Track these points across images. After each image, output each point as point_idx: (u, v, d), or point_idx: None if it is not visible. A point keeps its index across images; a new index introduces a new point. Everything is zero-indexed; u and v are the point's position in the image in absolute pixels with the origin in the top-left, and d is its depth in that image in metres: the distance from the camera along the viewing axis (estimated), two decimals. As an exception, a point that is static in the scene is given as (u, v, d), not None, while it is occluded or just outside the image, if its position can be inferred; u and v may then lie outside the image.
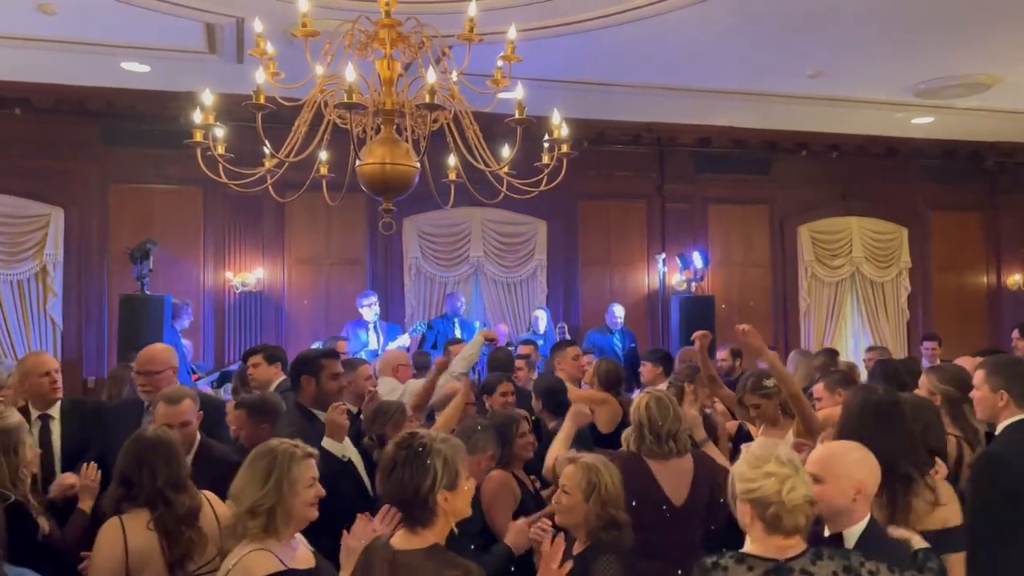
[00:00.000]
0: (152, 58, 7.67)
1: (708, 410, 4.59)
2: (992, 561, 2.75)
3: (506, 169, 4.32)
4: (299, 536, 2.60)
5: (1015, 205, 11.25)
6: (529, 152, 4.26)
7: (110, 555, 2.73)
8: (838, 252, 10.96)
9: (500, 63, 4.00)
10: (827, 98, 9.04)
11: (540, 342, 8.15)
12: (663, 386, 5.79)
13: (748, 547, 2.22)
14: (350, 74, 3.50)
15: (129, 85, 8.31)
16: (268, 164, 4.28)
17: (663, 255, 10.14)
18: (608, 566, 2.77)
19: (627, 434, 3.64)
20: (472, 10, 3.78)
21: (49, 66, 7.77)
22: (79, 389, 8.20)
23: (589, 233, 10.20)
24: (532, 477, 3.82)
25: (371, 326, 8.42)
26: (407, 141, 4.10)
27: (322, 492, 2.56)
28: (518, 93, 3.92)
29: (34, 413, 4.02)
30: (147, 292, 7.71)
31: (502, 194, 4.50)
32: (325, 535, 2.69)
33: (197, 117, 3.91)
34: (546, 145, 4.37)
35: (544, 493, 3.78)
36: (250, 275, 8.99)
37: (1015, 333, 7.64)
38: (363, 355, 7.41)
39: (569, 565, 2.61)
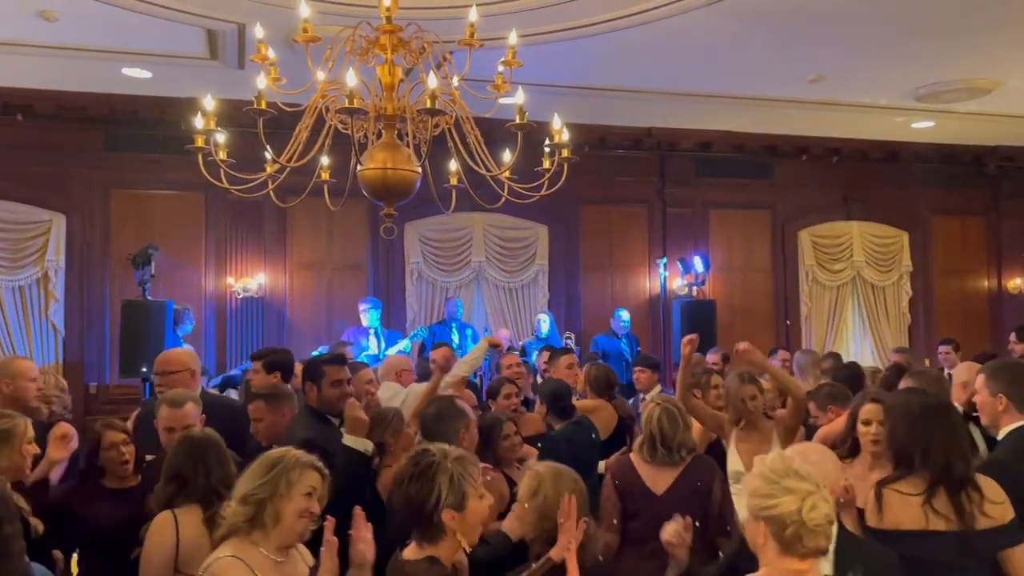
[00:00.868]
0: (154, 64, 7.69)
1: None
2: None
3: (507, 174, 4.33)
4: (302, 547, 2.57)
5: (1016, 209, 11.25)
6: (530, 157, 4.27)
7: (162, 546, 2.79)
8: (839, 256, 10.96)
9: (501, 68, 4.01)
10: (828, 102, 9.05)
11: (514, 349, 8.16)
12: (656, 390, 5.86)
13: (761, 573, 2.03)
14: (351, 79, 3.52)
15: (131, 91, 8.32)
16: (270, 169, 4.29)
17: (664, 259, 10.14)
18: None
19: (638, 443, 3.67)
20: (473, 16, 3.79)
21: (51, 73, 7.79)
22: (81, 395, 8.20)
23: (590, 238, 10.21)
24: None
25: (372, 332, 8.43)
26: (408, 146, 4.11)
27: (316, 511, 2.49)
28: (519, 98, 3.94)
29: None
30: (149, 298, 7.71)
31: (503, 199, 4.51)
32: (341, 531, 2.67)
33: (199, 122, 3.92)
34: (547, 150, 4.38)
35: None
36: (252, 280, 9.00)
37: (1012, 337, 7.64)
38: (363, 360, 7.40)
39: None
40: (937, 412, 2.78)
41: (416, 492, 2.32)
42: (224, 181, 4.14)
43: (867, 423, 3.28)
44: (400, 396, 4.96)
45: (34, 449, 3.21)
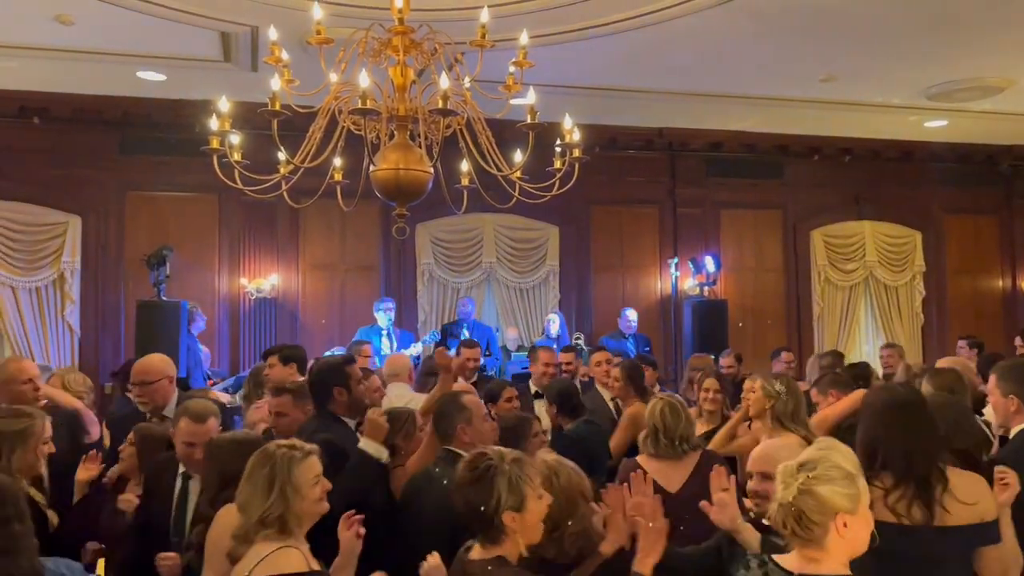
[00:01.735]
0: (168, 67, 7.76)
1: None
2: None
3: (518, 174, 4.35)
4: None
5: (1031, 208, 11.21)
6: (541, 157, 4.30)
7: (225, 538, 2.74)
8: (851, 256, 10.93)
9: (512, 69, 4.03)
10: (839, 102, 9.03)
11: (552, 345, 8.15)
12: (656, 389, 5.92)
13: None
14: (364, 80, 3.55)
15: (145, 94, 8.40)
16: (283, 171, 4.32)
17: (675, 260, 10.14)
18: None
19: (643, 436, 3.69)
20: (484, 17, 3.82)
21: (67, 76, 7.87)
22: (97, 395, 8.26)
23: (601, 238, 10.22)
24: None
25: (385, 332, 8.47)
26: (421, 147, 4.14)
27: (328, 485, 2.55)
28: (530, 98, 3.96)
29: None
30: (163, 298, 7.78)
31: (515, 199, 4.53)
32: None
33: (214, 124, 3.96)
34: (558, 150, 4.41)
35: None
36: (265, 281, 9.06)
37: (1018, 340, 7.62)
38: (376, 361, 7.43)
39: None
40: (901, 409, 2.75)
41: (476, 496, 2.37)
42: (239, 182, 4.18)
43: None
44: (406, 399, 4.91)
45: (49, 448, 3.25)
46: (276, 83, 3.77)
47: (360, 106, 3.56)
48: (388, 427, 3.50)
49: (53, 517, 3.16)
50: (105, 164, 8.84)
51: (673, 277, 10.15)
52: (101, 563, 3.35)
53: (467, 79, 4.13)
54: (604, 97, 8.58)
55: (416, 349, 8.46)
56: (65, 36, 6.94)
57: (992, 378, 3.25)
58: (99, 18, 6.53)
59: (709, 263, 9.62)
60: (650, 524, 2.58)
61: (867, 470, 2.68)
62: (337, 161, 4.62)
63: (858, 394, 4.14)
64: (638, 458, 3.70)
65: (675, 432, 3.56)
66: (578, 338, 9.14)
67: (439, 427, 3.41)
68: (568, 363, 6.70)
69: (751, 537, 2.64)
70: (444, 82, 3.61)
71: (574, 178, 4.31)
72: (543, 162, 4.44)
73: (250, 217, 9.01)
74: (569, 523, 2.68)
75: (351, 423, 3.86)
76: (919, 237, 11.10)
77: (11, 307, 8.49)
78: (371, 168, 4.12)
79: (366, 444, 3.43)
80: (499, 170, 4.27)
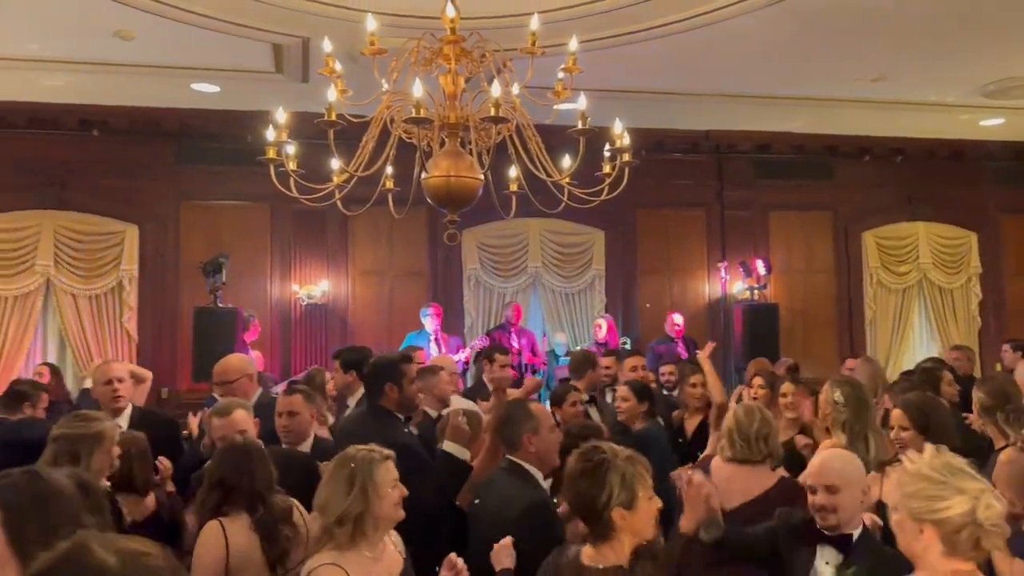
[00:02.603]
0: (222, 79, 7.95)
1: None
2: None
3: (568, 179, 4.38)
4: (393, 535, 2.66)
5: (1091, 208, 10.87)
6: (589, 162, 4.30)
7: (212, 556, 2.82)
8: (904, 258, 10.72)
9: (561, 75, 4.06)
10: (890, 101, 8.88)
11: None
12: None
13: None
14: (417, 90, 3.60)
15: (200, 106, 8.61)
16: (337, 179, 4.40)
17: (724, 263, 10.06)
18: None
19: (720, 442, 3.67)
20: (535, 24, 3.86)
21: (125, 90, 8.11)
22: (153, 399, 8.47)
23: (647, 242, 10.18)
24: None
25: (433, 337, 8.55)
26: (471, 154, 4.19)
27: (405, 492, 2.60)
28: (581, 104, 3.98)
29: None
30: (219, 304, 7.96)
31: (563, 204, 4.55)
32: (435, 538, 2.76)
33: (270, 134, 4.05)
34: (607, 154, 4.42)
35: None
36: (315, 287, 9.21)
37: (1005, 347, 7.43)
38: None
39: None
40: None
41: (587, 488, 2.35)
42: (294, 191, 4.28)
43: (891, 428, 3.30)
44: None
45: (117, 451, 3.37)
46: (332, 94, 3.85)
47: (413, 115, 3.61)
48: (469, 431, 3.54)
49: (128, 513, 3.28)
50: (161, 174, 9.08)
51: (723, 280, 10.07)
52: None
53: (516, 85, 4.16)
54: (650, 100, 8.56)
55: (461, 355, 8.52)
56: (125, 51, 7.15)
57: None
58: (157, 33, 6.72)
59: (760, 266, 9.52)
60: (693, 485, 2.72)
61: None
62: (389, 169, 4.69)
63: None
64: (712, 462, 3.65)
65: (749, 431, 3.48)
66: (625, 342, 9.13)
67: (504, 434, 3.37)
68: (608, 367, 6.70)
69: None
70: (495, 90, 3.65)
71: (624, 182, 4.32)
72: (591, 166, 4.45)
73: (301, 225, 9.18)
74: None
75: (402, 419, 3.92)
76: (975, 238, 10.84)
77: (72, 314, 8.75)
78: (422, 175, 4.18)
79: (451, 447, 3.49)
80: (548, 175, 4.30)
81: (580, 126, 3.93)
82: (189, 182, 9.13)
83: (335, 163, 4.37)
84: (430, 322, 8.56)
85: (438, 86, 4.13)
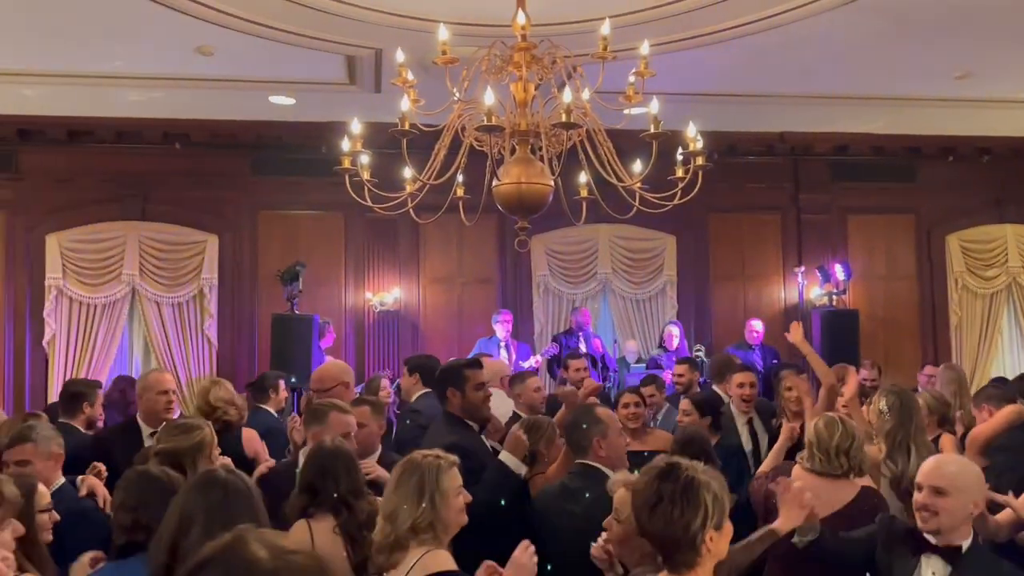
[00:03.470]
0: (297, 91, 8.14)
1: None
2: None
3: (639, 184, 4.33)
4: None
5: None
6: (660, 166, 4.25)
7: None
8: (992, 262, 10.27)
9: (632, 79, 4.03)
10: (976, 100, 8.54)
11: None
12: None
13: None
14: (489, 98, 3.62)
15: (276, 118, 8.83)
16: (410, 188, 4.45)
17: (802, 268, 9.81)
18: None
19: (801, 453, 3.58)
20: (606, 29, 3.83)
21: (205, 103, 8.37)
22: (233, 404, 8.71)
23: (720, 247, 10.01)
24: None
25: (503, 344, 8.57)
26: (542, 160, 4.19)
27: (469, 498, 2.62)
28: (653, 107, 3.95)
29: (146, 430, 4.16)
30: (296, 312, 8.14)
31: (635, 209, 4.51)
32: (483, 544, 2.75)
33: (345, 145, 4.12)
34: (680, 158, 4.36)
35: None
36: (388, 295, 9.33)
37: (929, 369, 7.10)
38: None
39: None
40: None
41: (680, 514, 2.05)
42: (368, 200, 4.34)
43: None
44: (508, 404, 4.90)
45: (218, 451, 3.44)
46: (405, 103, 3.90)
47: (485, 123, 3.63)
48: (527, 444, 3.52)
49: None
50: (239, 185, 9.34)
51: (800, 286, 9.82)
52: None
53: (586, 91, 4.14)
54: (722, 102, 8.43)
55: (533, 361, 8.52)
56: (204, 66, 7.39)
57: None
58: (235, 48, 6.93)
59: (839, 271, 9.25)
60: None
61: None
62: (460, 177, 4.72)
63: (1010, 409, 3.90)
64: (793, 469, 3.57)
65: (830, 444, 3.38)
66: (699, 350, 8.96)
67: (571, 439, 3.40)
68: (680, 375, 6.58)
69: None
70: (567, 96, 3.64)
71: (697, 186, 4.25)
72: (662, 171, 4.40)
73: (374, 233, 9.31)
74: None
75: (476, 427, 3.93)
76: (1069, 240, 10.34)
77: (156, 321, 9.06)
78: (493, 183, 4.20)
79: (506, 457, 3.48)
80: (619, 180, 4.26)
81: (652, 130, 3.88)
82: (266, 192, 9.37)
83: (408, 172, 4.42)
84: (500, 328, 8.59)
85: (509, 93, 4.14)
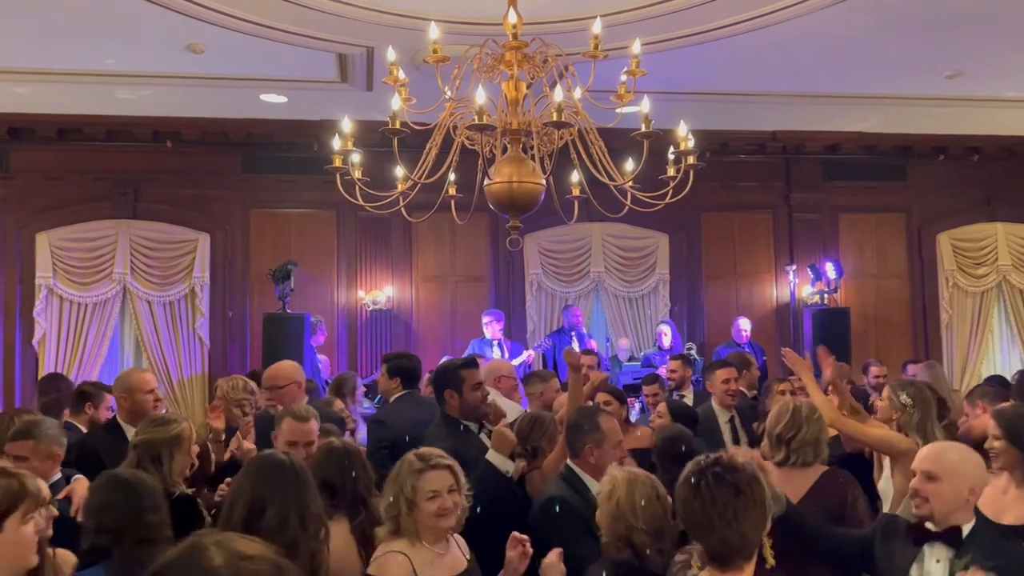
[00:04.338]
0: (288, 89, 8.10)
1: None
2: None
3: (631, 183, 4.33)
4: (458, 537, 2.72)
5: None
6: (652, 165, 4.25)
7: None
8: (982, 260, 10.32)
9: (624, 78, 4.02)
10: (967, 99, 8.58)
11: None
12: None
13: None
14: (480, 97, 3.61)
15: (267, 115, 8.79)
16: (401, 187, 4.44)
17: (793, 267, 9.84)
18: None
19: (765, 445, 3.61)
20: (597, 28, 3.83)
21: (196, 101, 8.34)
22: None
23: (713, 246, 10.03)
24: None
25: (495, 343, 8.56)
26: (533, 159, 4.18)
27: (448, 505, 2.62)
28: (645, 107, 3.94)
29: (130, 431, 3.96)
30: (288, 311, 8.11)
31: (626, 208, 4.50)
32: (484, 542, 2.77)
33: (336, 144, 4.11)
34: (671, 157, 4.36)
35: None
36: (380, 293, 9.32)
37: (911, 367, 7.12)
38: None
39: None
40: None
41: (756, 521, 2.03)
42: (359, 199, 4.33)
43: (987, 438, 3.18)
44: (501, 405, 4.81)
45: (196, 449, 3.45)
46: (396, 103, 3.88)
47: (476, 122, 3.62)
48: (514, 440, 3.52)
49: (208, 518, 3.33)
50: (230, 183, 9.30)
51: (792, 285, 9.85)
52: None
53: (578, 90, 4.14)
54: (715, 102, 8.44)
55: (524, 357, 8.53)
56: (195, 64, 7.35)
57: None
58: (226, 46, 6.90)
59: (830, 270, 9.28)
60: None
61: None
62: (452, 176, 4.71)
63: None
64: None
65: (788, 435, 3.42)
66: (690, 348, 8.99)
67: (570, 438, 3.40)
68: (673, 371, 6.60)
69: None
70: (558, 95, 3.64)
71: (688, 186, 4.25)
72: (655, 169, 4.39)
73: (366, 231, 9.30)
74: None
75: (475, 427, 3.92)
76: (1059, 238, 10.39)
77: (147, 320, 9.02)
78: (485, 182, 4.19)
79: (493, 456, 3.47)
80: (611, 179, 4.26)
81: (643, 129, 3.88)
82: (257, 191, 9.34)
83: (399, 171, 4.40)
84: (488, 330, 8.58)
85: (500, 92, 4.13)
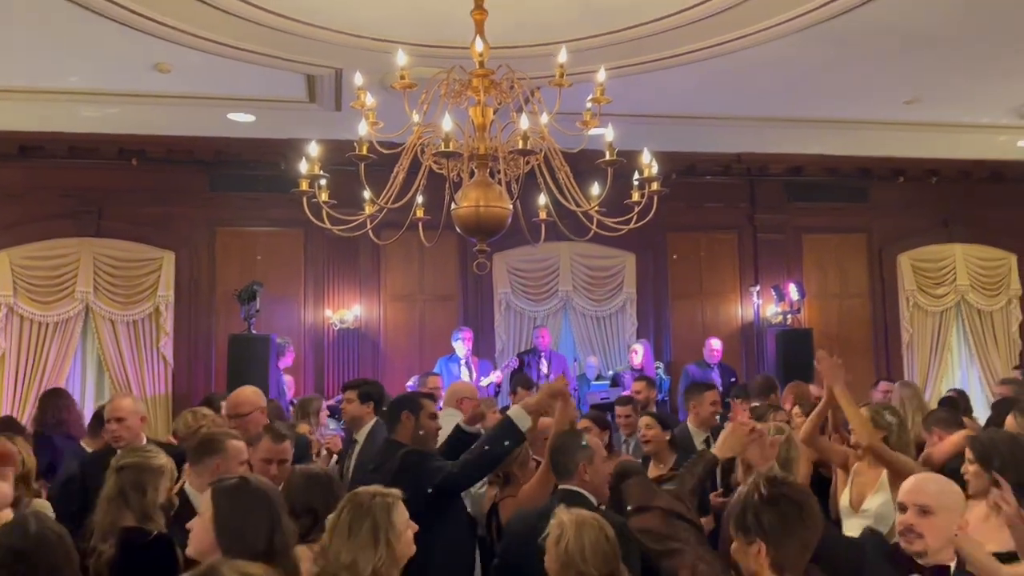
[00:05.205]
0: (256, 108, 8.07)
1: None
2: None
3: (596, 208, 4.38)
4: None
5: None
6: (619, 187, 4.30)
7: None
8: (941, 280, 10.54)
9: (590, 105, 4.08)
10: (925, 123, 8.80)
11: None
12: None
13: None
14: (447, 124, 3.65)
15: (235, 134, 8.75)
16: (369, 209, 4.46)
17: (757, 287, 9.98)
18: None
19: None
20: (563, 57, 3.88)
21: (162, 119, 8.27)
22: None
23: (679, 265, 10.14)
24: None
25: (464, 361, 8.57)
26: (500, 183, 4.22)
27: (415, 527, 2.60)
28: (608, 134, 3.99)
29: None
30: (254, 331, 8.05)
31: (592, 231, 4.56)
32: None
33: (303, 167, 4.11)
34: (636, 182, 4.42)
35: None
36: (348, 312, 9.27)
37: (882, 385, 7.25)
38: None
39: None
40: None
41: (809, 536, 2.12)
42: (326, 221, 4.33)
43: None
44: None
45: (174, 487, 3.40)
46: (363, 128, 3.90)
47: (443, 148, 3.65)
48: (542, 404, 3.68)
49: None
50: (196, 202, 9.22)
51: (756, 305, 9.98)
52: None
53: (544, 115, 4.19)
54: (681, 124, 8.55)
55: (493, 377, 8.55)
56: (162, 83, 7.30)
57: None
58: (194, 66, 6.86)
59: (793, 291, 9.42)
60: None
61: None
62: (419, 198, 4.73)
63: (961, 435, 3.98)
64: None
65: None
66: (658, 367, 9.07)
67: (557, 463, 3.35)
68: (638, 392, 6.65)
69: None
70: (524, 122, 3.68)
71: (653, 210, 4.31)
72: (621, 193, 4.44)
73: (334, 250, 9.26)
74: None
75: None
76: (1014, 259, 10.64)
77: (111, 340, 8.89)
78: (452, 205, 4.22)
79: (515, 412, 3.59)
80: (577, 205, 4.31)
81: (608, 157, 3.94)
82: (224, 209, 9.27)
83: (367, 194, 4.42)
84: (461, 346, 8.59)
85: (467, 117, 4.17)
